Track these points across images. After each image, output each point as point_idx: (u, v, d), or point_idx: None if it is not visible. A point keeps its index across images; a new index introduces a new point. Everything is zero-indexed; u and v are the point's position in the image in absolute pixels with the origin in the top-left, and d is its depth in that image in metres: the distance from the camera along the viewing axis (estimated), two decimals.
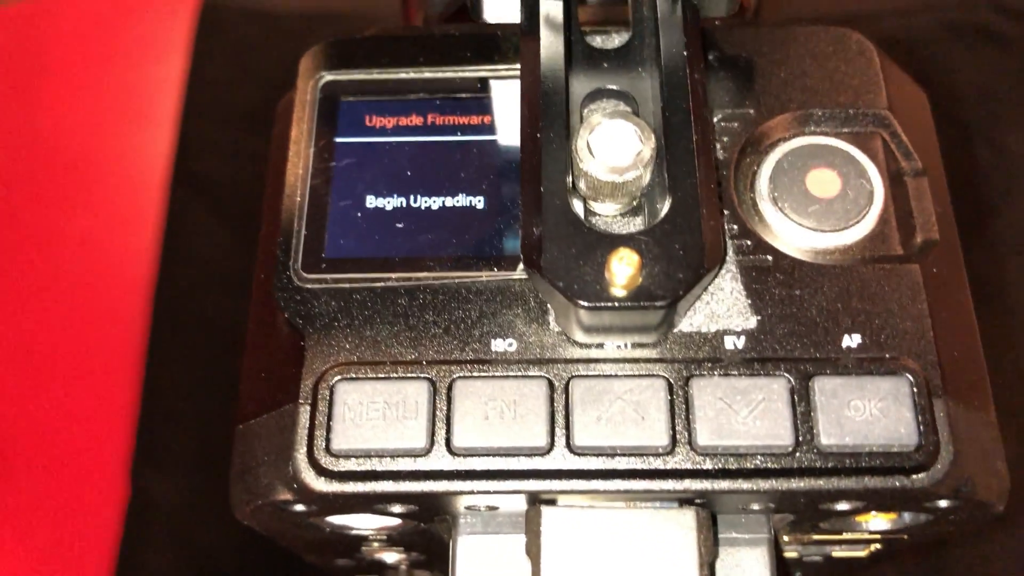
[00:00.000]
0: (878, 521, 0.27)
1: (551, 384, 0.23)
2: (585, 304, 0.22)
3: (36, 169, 0.77)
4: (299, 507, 0.24)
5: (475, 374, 0.24)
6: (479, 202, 0.26)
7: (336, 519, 0.27)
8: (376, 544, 0.30)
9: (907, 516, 0.27)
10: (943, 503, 0.24)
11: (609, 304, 0.22)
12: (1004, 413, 0.26)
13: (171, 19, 0.84)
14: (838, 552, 0.31)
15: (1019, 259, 0.73)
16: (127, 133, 0.82)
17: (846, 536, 0.28)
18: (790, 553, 0.31)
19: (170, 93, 0.80)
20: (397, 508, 0.24)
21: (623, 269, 0.22)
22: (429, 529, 0.27)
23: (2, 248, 0.73)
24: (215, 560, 0.58)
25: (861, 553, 0.31)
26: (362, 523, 0.27)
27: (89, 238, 0.77)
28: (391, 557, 0.32)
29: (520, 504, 0.25)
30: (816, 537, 0.29)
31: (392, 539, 0.29)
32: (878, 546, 0.30)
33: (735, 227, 0.25)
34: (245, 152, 0.71)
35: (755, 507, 0.25)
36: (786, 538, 0.30)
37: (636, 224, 0.25)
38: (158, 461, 0.62)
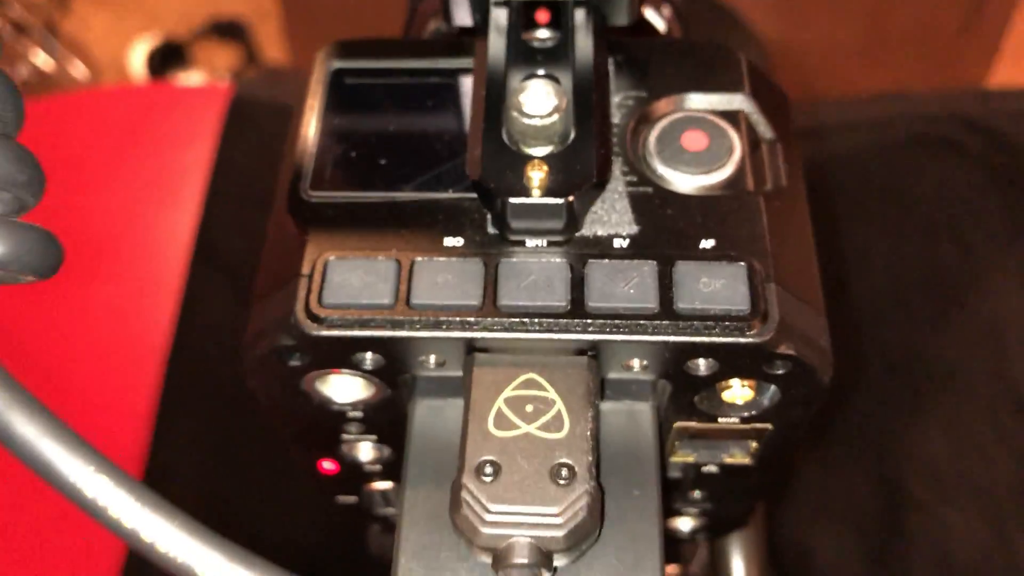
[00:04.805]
0: (740, 393, 0.34)
1: (485, 264, 0.32)
2: (510, 200, 0.31)
3: (65, 244, 0.86)
4: (296, 357, 0.32)
5: (431, 258, 0.32)
6: (443, 145, 0.35)
7: (322, 386, 0.35)
8: (353, 431, 0.38)
9: (765, 400, 0.35)
10: (778, 367, 0.32)
11: (525, 199, 0.31)
12: None
13: (204, 110, 0.94)
14: (728, 459, 0.39)
15: (984, 350, 0.81)
16: (155, 212, 0.91)
17: (723, 424, 0.36)
18: (686, 458, 0.39)
19: (198, 176, 0.89)
20: (369, 357, 0.32)
21: (536, 174, 0.31)
22: (395, 400, 0.35)
23: (31, 313, 0.81)
24: None
25: (747, 460, 0.39)
26: (341, 393, 0.35)
27: (112, 306, 0.84)
28: (367, 454, 0.39)
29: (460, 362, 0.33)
30: (698, 426, 0.36)
31: (367, 420, 0.37)
32: (755, 444, 0.37)
33: (627, 169, 0.34)
34: (263, 233, 0.80)
35: (635, 365, 0.32)
36: (677, 443, 0.38)
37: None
38: None
